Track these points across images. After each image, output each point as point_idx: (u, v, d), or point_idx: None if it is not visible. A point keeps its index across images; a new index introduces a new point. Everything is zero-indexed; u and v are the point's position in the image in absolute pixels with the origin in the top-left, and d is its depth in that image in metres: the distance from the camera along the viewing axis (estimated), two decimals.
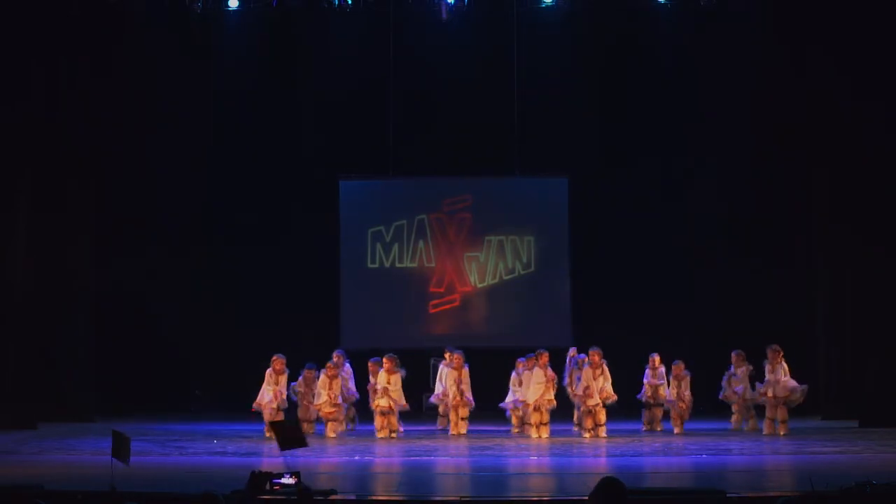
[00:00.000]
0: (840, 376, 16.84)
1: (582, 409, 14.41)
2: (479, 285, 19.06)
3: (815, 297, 17.68)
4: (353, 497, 8.91)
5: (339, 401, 14.59)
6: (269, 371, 14.53)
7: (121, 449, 8.89)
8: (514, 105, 18.46)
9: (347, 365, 15.34)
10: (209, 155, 18.50)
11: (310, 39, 18.90)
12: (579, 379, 14.41)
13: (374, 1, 18.11)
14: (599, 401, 14.18)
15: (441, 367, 15.35)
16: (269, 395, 14.43)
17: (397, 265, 19.05)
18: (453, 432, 14.76)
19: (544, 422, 14.24)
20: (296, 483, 8.54)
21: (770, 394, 14.44)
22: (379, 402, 14.52)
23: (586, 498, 5.64)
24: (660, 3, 18.19)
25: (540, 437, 14.12)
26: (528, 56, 18.42)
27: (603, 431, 14.19)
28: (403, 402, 14.62)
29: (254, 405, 14.69)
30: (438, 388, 15.28)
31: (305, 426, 15.00)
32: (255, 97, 18.79)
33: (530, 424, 14.35)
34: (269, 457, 11.89)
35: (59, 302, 16.91)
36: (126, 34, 17.77)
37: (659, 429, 15.11)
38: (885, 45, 15.91)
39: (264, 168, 18.86)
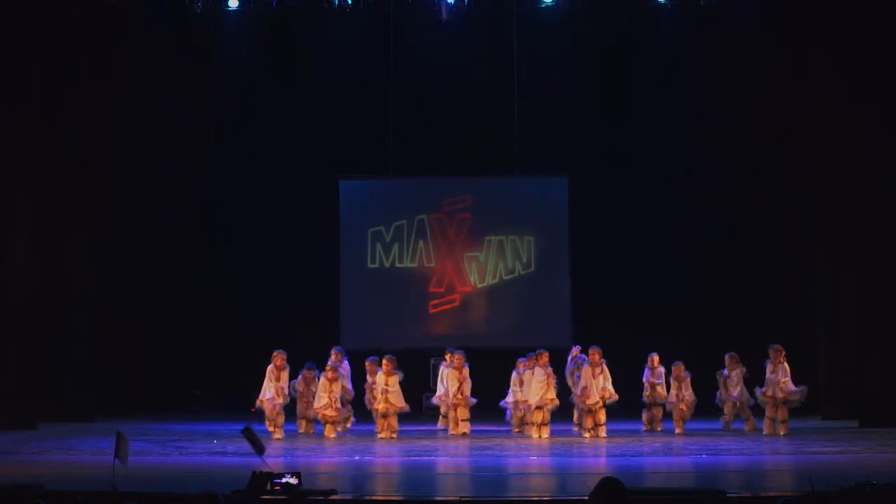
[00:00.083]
0: (840, 376, 16.83)
1: (581, 408, 14.41)
2: (479, 285, 19.06)
3: (815, 297, 17.67)
4: (353, 497, 8.90)
5: (339, 405, 14.57)
6: (270, 367, 14.56)
7: (121, 449, 8.89)
8: (514, 105, 18.46)
9: (346, 362, 15.33)
10: (209, 155, 18.50)
11: (310, 39, 18.89)
12: (579, 378, 14.40)
13: (374, 1, 18.11)
14: (598, 400, 14.17)
15: (441, 367, 15.35)
16: (271, 391, 14.44)
17: (397, 265, 19.05)
18: (453, 432, 14.77)
19: (545, 422, 14.24)
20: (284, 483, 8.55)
21: (770, 394, 14.45)
22: (378, 406, 14.51)
23: (586, 498, 5.64)
24: (660, 3, 18.19)
25: (540, 437, 14.11)
26: (528, 56, 18.42)
27: (603, 431, 14.19)
28: (402, 403, 14.60)
29: (256, 403, 14.68)
30: (440, 389, 15.27)
31: (305, 425, 15.04)
32: (255, 97, 18.79)
33: (531, 424, 14.35)
34: (270, 457, 11.88)
35: (59, 302, 16.90)
36: (126, 34, 17.76)
37: (659, 429, 15.11)
38: (885, 45, 15.90)
39: (264, 168, 18.86)
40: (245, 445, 12.88)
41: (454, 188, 19.20)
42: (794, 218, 18.24)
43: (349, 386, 15.20)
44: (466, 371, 14.89)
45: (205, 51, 18.29)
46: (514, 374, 15.14)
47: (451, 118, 18.82)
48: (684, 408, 14.94)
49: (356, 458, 12.22)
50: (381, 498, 9.30)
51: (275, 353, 14.59)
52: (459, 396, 14.81)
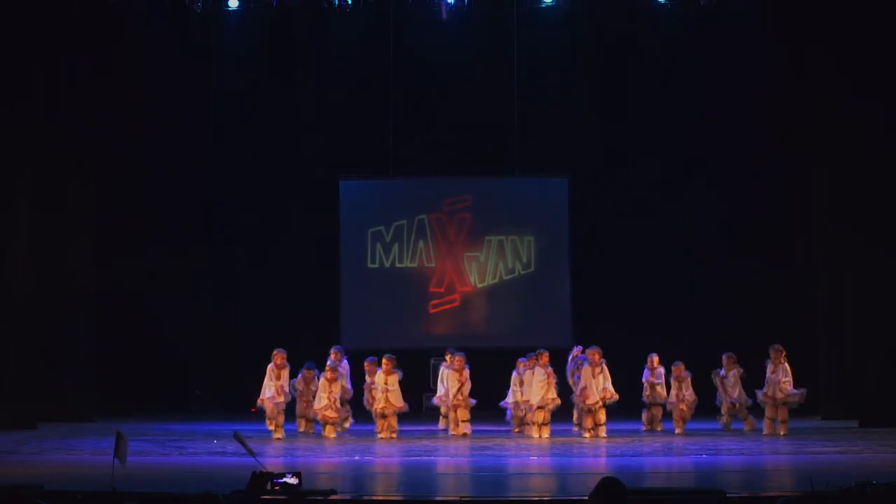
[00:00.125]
0: (840, 376, 16.83)
1: (581, 408, 14.40)
2: (479, 285, 19.06)
3: (815, 297, 17.67)
4: (352, 497, 8.90)
5: (339, 405, 14.56)
6: (270, 366, 14.55)
7: (121, 449, 8.89)
8: (514, 105, 18.46)
9: (345, 361, 15.32)
10: (209, 155, 18.50)
11: (310, 39, 18.90)
12: (579, 378, 14.40)
13: (374, 1, 18.11)
14: (598, 400, 14.17)
15: (442, 368, 15.34)
16: (271, 390, 14.43)
17: (397, 265, 19.05)
18: (453, 432, 14.76)
19: (546, 421, 14.24)
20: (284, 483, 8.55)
21: (770, 394, 14.46)
22: (377, 405, 14.50)
23: (586, 498, 5.63)
24: (660, 3, 18.19)
25: (541, 436, 14.11)
26: (528, 56, 18.42)
27: (603, 431, 14.19)
28: (401, 403, 14.58)
29: (257, 402, 14.68)
30: (440, 390, 15.27)
31: (304, 424, 15.03)
32: (255, 97, 18.79)
33: (532, 424, 14.34)
34: (270, 457, 11.88)
35: (59, 302, 16.91)
36: (126, 34, 17.77)
37: (659, 429, 15.11)
38: (885, 45, 15.90)
39: (264, 168, 18.86)
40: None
41: (454, 188, 19.20)
42: (794, 218, 18.24)
43: (348, 386, 15.19)
44: (467, 373, 14.87)
45: (205, 51, 18.29)
46: (514, 374, 15.13)
47: (451, 118, 18.83)
48: (684, 408, 14.93)
49: (356, 458, 12.22)
50: (380, 498, 9.30)
51: (275, 352, 14.59)
52: (460, 398, 14.80)
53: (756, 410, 15.00)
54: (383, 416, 14.49)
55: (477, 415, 15.19)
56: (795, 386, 14.49)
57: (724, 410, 15.18)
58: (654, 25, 18.46)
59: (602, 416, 14.23)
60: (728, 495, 8.60)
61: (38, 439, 14.00)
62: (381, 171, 18.80)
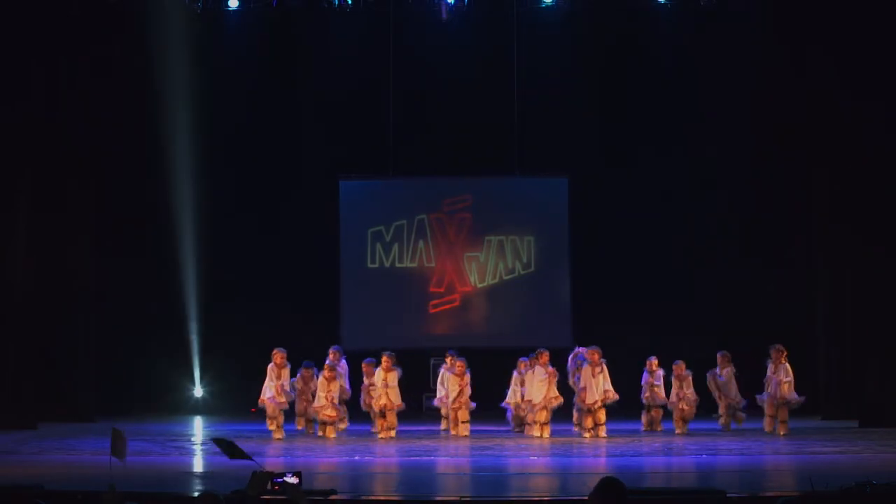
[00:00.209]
0: (840, 376, 16.83)
1: (581, 408, 14.39)
2: (479, 285, 19.06)
3: (815, 297, 17.67)
4: (352, 497, 8.90)
5: (338, 403, 14.55)
6: (270, 366, 14.53)
7: (118, 446, 8.86)
8: (514, 105, 18.46)
9: (343, 361, 15.28)
10: (209, 155, 18.48)
11: (310, 39, 18.89)
12: (579, 379, 14.39)
13: (374, 1, 18.11)
14: (597, 399, 14.16)
15: (442, 370, 15.32)
16: (272, 390, 14.41)
17: (397, 265, 19.05)
18: (453, 432, 14.75)
19: (547, 421, 14.24)
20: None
21: (771, 392, 14.45)
22: (377, 403, 14.48)
23: (586, 498, 5.63)
24: (660, 3, 18.19)
25: (542, 436, 14.10)
26: (528, 56, 18.42)
27: (603, 431, 14.18)
28: (400, 401, 14.55)
29: (258, 402, 14.67)
30: (440, 392, 15.24)
31: (304, 423, 15.02)
32: (255, 97, 18.78)
33: (534, 423, 14.33)
34: (270, 457, 11.89)
35: (59, 302, 16.90)
36: (126, 34, 17.76)
37: (659, 429, 15.09)
38: (885, 45, 15.89)
39: (264, 168, 18.86)
40: (246, 445, 12.90)
41: (454, 188, 19.20)
42: (794, 218, 18.23)
43: (346, 386, 15.17)
44: (468, 377, 14.81)
45: (205, 51, 18.27)
46: (514, 373, 15.13)
47: (451, 118, 18.82)
48: (686, 407, 14.92)
49: (356, 458, 12.22)
50: (380, 498, 9.30)
51: (275, 351, 14.57)
52: (461, 401, 14.76)
53: (756, 410, 14.98)
54: (382, 415, 14.48)
55: (477, 415, 15.18)
56: (796, 386, 14.47)
57: (721, 410, 15.17)
58: (654, 25, 18.46)
59: (602, 416, 14.22)
60: (728, 495, 8.60)
61: (38, 439, 14.00)
62: (381, 171, 18.80)
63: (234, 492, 8.45)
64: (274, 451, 12.56)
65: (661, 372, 15.16)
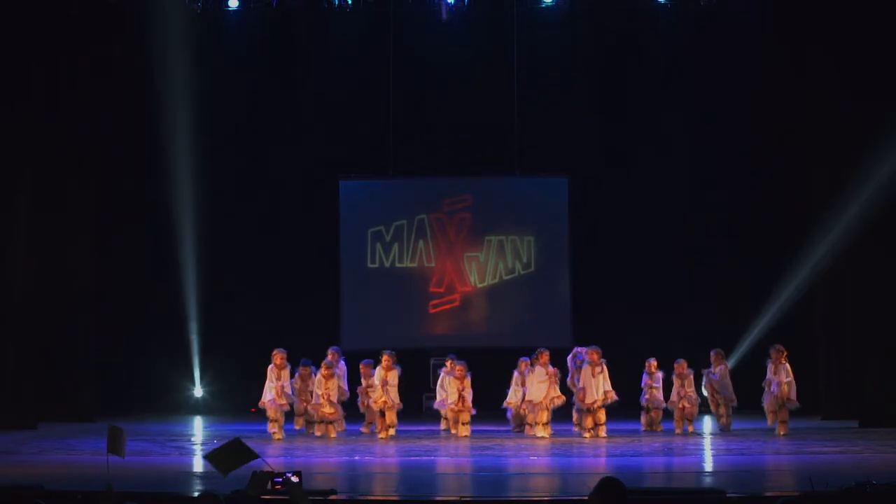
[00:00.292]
0: (840, 376, 16.83)
1: (581, 408, 14.39)
2: (479, 285, 19.06)
3: (815, 297, 17.66)
4: (352, 497, 8.90)
5: (335, 399, 14.54)
6: (270, 367, 14.50)
7: (116, 443, 8.85)
8: (514, 105, 18.46)
9: (342, 362, 15.28)
10: (209, 155, 18.48)
11: (310, 39, 18.89)
12: (579, 379, 14.39)
13: (374, 1, 18.11)
14: (597, 399, 14.15)
15: (442, 374, 15.31)
16: (272, 392, 14.39)
17: (397, 265, 19.05)
18: (453, 431, 14.74)
19: (548, 421, 14.24)
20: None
21: (771, 391, 14.45)
22: (376, 402, 14.46)
23: (586, 498, 5.63)
24: (660, 3, 18.19)
25: (545, 436, 14.09)
26: (528, 56, 18.42)
27: (603, 431, 14.18)
28: (399, 400, 14.52)
29: (258, 404, 14.65)
30: (440, 395, 15.22)
31: (302, 422, 15.02)
32: (255, 97, 18.78)
33: (535, 424, 14.32)
34: (270, 457, 11.88)
35: (59, 302, 16.91)
36: (126, 34, 17.76)
37: (659, 430, 15.09)
38: (885, 45, 15.89)
39: (264, 168, 18.86)
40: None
41: (454, 188, 19.20)
42: (794, 218, 18.22)
43: (345, 386, 15.15)
44: (468, 381, 14.77)
45: (205, 51, 18.27)
46: (515, 373, 15.13)
47: (451, 118, 18.83)
48: (688, 405, 14.91)
49: (356, 457, 12.22)
50: (380, 498, 9.30)
51: (274, 352, 14.55)
52: (460, 405, 14.73)
53: (757, 410, 14.96)
54: (382, 415, 14.47)
55: (477, 415, 15.17)
56: (796, 386, 14.47)
57: (722, 411, 15.17)
58: (654, 25, 18.47)
59: (602, 416, 14.21)
60: (728, 495, 8.61)
61: (38, 439, 14.00)
62: (381, 171, 18.80)
63: (234, 492, 8.45)
64: (274, 451, 12.55)
65: (660, 374, 15.15)
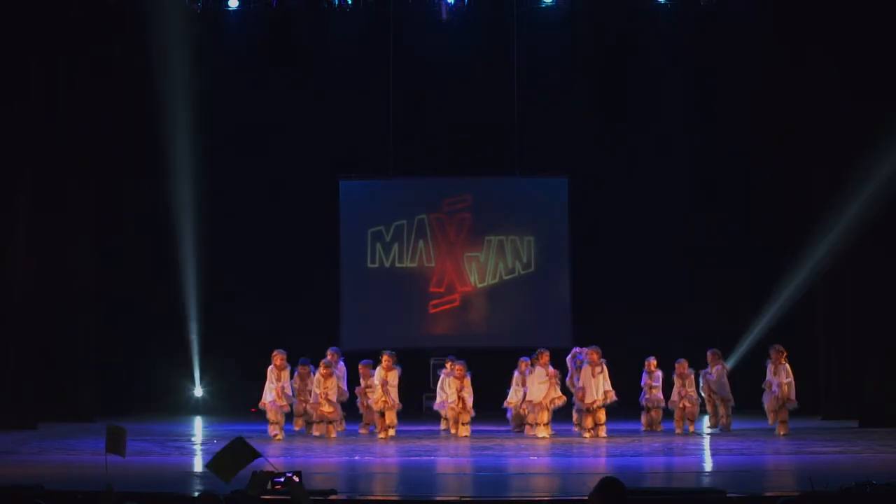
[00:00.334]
0: (840, 376, 16.83)
1: (581, 408, 14.39)
2: (479, 285, 19.06)
3: (815, 297, 17.66)
4: (352, 497, 8.90)
5: (334, 399, 14.53)
6: (270, 368, 14.49)
7: (116, 443, 8.84)
8: (514, 105, 18.46)
9: (342, 363, 15.28)
10: (209, 155, 18.47)
11: (310, 39, 18.89)
12: (579, 379, 14.39)
13: (374, 1, 18.11)
14: (597, 399, 14.15)
15: (442, 375, 15.30)
16: (272, 393, 14.39)
17: (397, 265, 19.05)
18: (453, 431, 14.73)
19: (549, 421, 14.23)
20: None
21: (771, 391, 14.45)
22: (376, 402, 14.45)
23: (586, 498, 5.63)
24: (660, 3, 18.19)
25: (545, 436, 14.09)
26: (528, 56, 18.42)
27: (603, 431, 14.18)
28: (398, 401, 14.51)
29: (259, 405, 14.63)
30: (440, 396, 15.20)
31: (302, 422, 15.01)
32: (255, 97, 18.77)
33: (535, 424, 14.31)
34: (270, 457, 11.87)
35: (59, 302, 16.91)
36: (126, 34, 17.75)
37: (659, 429, 15.08)
38: (886, 45, 15.89)
39: (264, 168, 18.85)
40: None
41: (454, 188, 19.20)
42: (794, 218, 18.21)
43: (344, 387, 15.14)
44: (468, 381, 14.75)
45: (205, 51, 18.26)
46: (515, 373, 15.12)
47: (451, 118, 18.83)
48: (689, 405, 14.90)
49: (356, 457, 12.22)
50: (380, 498, 9.30)
51: (274, 353, 14.54)
52: (460, 405, 14.73)
53: (758, 410, 14.96)
54: (382, 415, 14.46)
55: (477, 415, 15.16)
56: (796, 386, 14.46)
57: (721, 411, 15.17)
58: (654, 25, 18.46)
59: (602, 416, 14.21)
60: (728, 495, 8.60)
61: (38, 439, 14.00)
62: (381, 171, 18.80)
63: (234, 492, 8.45)
64: (274, 451, 12.55)
65: (659, 373, 15.15)
